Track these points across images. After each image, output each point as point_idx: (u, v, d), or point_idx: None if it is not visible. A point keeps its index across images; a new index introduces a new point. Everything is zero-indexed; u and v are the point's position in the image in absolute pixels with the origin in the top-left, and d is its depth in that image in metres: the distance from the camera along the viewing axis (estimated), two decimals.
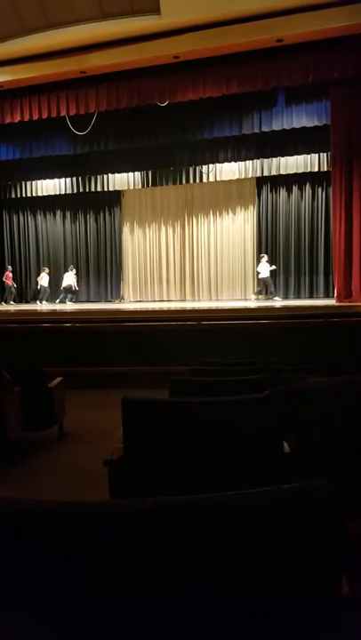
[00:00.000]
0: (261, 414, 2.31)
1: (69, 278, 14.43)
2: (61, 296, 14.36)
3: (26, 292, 15.67)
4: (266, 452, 2.27)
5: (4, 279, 14.71)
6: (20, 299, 15.17)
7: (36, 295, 14.90)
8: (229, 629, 1.13)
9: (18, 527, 1.12)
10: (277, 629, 1.16)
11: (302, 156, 12.60)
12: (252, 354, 5.71)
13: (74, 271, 14.65)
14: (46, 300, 14.45)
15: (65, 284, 14.41)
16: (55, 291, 14.75)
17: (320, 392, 2.41)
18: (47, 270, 14.78)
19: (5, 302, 14.41)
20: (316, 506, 1.16)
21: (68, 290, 14.36)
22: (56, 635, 1.12)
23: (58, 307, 13.49)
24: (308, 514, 1.16)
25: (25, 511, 1.13)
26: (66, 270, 14.79)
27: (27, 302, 15.22)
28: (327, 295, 12.84)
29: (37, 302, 14.39)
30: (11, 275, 14.73)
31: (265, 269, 12.97)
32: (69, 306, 13.59)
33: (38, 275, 14.94)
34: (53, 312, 11.53)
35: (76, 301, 14.57)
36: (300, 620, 1.16)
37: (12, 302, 14.44)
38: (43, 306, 13.90)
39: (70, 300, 14.34)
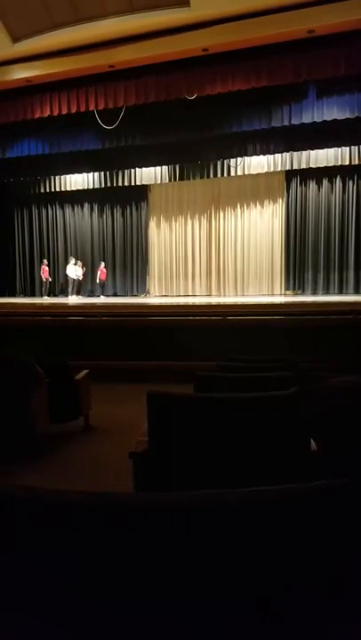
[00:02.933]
0: (288, 411, 2.28)
1: (71, 270, 14.73)
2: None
3: (53, 285, 15.91)
4: (292, 449, 2.24)
5: (41, 273, 15.00)
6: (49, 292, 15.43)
7: (65, 288, 15.08)
8: (248, 626, 1.12)
9: (37, 517, 1.13)
10: (298, 628, 1.14)
11: (333, 149, 12.39)
12: (278, 350, 5.65)
13: (72, 261, 14.89)
14: (77, 293, 14.68)
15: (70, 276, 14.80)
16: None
17: (347, 391, 2.37)
18: (80, 264, 14.98)
19: (48, 295, 14.84)
20: (340, 505, 1.14)
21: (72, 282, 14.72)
22: (63, 631, 1.13)
23: (87, 300, 13.66)
24: (332, 512, 1.14)
25: (40, 502, 1.15)
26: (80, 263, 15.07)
27: (55, 296, 15.44)
28: (357, 291, 12.61)
29: (74, 295, 14.56)
30: (47, 268, 14.98)
31: None
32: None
33: (66, 267, 15.14)
34: (79, 306, 11.66)
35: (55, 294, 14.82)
36: (320, 618, 1.14)
37: (45, 297, 14.70)
38: (77, 299, 14.10)
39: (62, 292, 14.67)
